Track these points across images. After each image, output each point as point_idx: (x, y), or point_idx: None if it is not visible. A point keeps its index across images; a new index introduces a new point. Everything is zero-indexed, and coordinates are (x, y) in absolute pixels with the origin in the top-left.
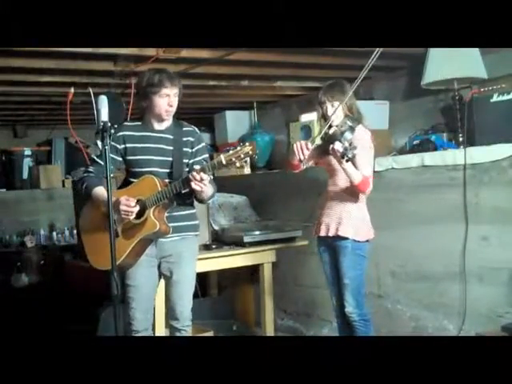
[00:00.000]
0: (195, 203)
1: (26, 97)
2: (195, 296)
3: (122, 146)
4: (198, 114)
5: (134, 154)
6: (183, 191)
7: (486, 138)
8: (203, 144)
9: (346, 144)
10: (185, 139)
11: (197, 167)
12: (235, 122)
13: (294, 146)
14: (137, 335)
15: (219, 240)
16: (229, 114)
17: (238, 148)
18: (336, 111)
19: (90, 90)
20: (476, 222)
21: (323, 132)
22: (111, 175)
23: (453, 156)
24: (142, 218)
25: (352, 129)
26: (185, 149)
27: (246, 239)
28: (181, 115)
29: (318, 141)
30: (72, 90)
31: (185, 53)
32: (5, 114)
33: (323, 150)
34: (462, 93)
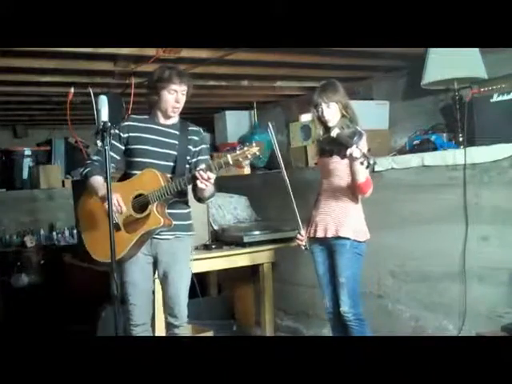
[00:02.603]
0: (194, 203)
1: (26, 97)
2: (196, 296)
3: (126, 134)
4: (198, 113)
5: (136, 143)
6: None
7: (486, 138)
8: (207, 145)
9: (365, 150)
10: (189, 137)
11: (203, 166)
12: (235, 122)
13: None
14: (135, 329)
15: (219, 240)
16: (229, 114)
17: (245, 148)
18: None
19: (90, 90)
20: (476, 222)
21: (335, 134)
22: (112, 170)
23: (453, 156)
24: (144, 213)
25: (361, 134)
26: (189, 146)
27: (246, 239)
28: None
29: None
30: (72, 90)
31: (185, 53)
32: (5, 114)
33: (323, 151)
34: (462, 93)
